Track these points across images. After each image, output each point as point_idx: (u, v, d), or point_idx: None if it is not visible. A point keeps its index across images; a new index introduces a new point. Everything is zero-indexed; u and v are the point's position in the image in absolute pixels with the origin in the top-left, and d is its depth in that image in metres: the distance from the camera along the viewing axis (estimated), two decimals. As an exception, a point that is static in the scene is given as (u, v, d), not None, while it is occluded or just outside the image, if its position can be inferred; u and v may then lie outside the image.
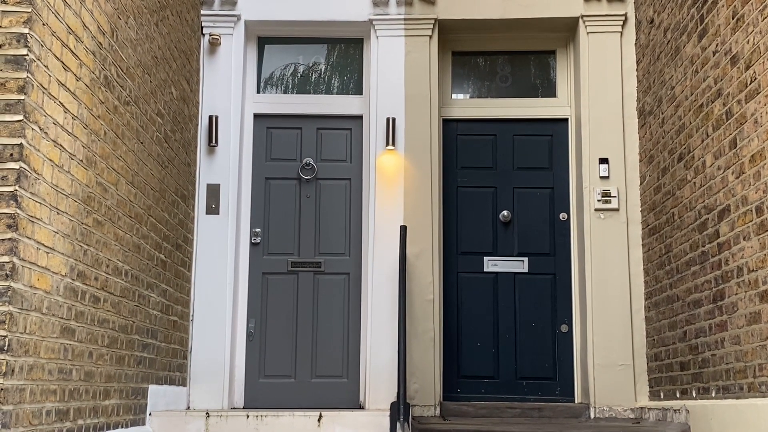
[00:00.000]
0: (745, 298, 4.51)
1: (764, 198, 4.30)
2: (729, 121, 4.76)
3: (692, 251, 5.33)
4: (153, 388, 5.46)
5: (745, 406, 4.43)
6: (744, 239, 4.54)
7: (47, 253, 3.81)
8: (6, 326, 3.43)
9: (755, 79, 4.42)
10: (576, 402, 6.53)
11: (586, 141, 6.58)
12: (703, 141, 5.16)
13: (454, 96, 7.13)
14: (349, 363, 6.58)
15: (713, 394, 4.96)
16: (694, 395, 5.26)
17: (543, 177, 6.90)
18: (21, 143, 3.55)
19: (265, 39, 7.08)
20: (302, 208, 6.81)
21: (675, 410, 5.46)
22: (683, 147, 5.50)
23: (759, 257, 4.35)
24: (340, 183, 6.83)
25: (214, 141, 6.60)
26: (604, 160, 6.52)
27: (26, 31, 3.61)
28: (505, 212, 6.84)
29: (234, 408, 6.41)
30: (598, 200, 6.47)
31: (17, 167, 3.53)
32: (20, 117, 3.56)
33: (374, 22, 6.79)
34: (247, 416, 5.40)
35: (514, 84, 7.14)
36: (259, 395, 6.55)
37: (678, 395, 5.56)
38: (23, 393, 3.61)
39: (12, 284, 3.47)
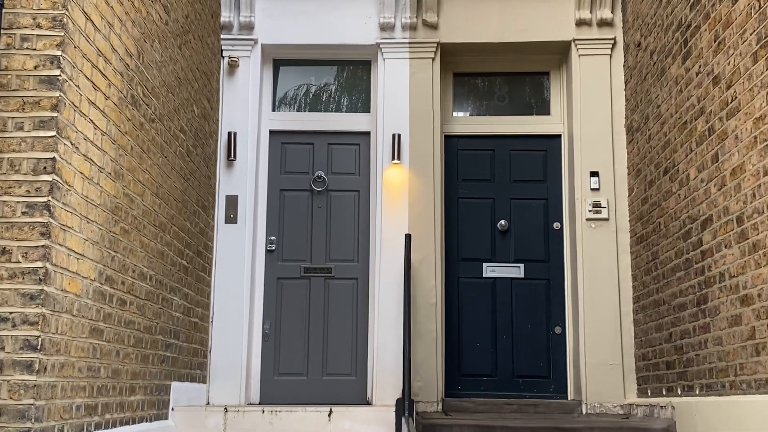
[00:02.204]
0: (727, 302, 4.49)
1: (744, 208, 4.28)
2: (711, 137, 4.74)
3: (677, 258, 5.30)
4: (175, 385, 5.45)
5: (727, 403, 4.40)
6: (726, 247, 4.51)
7: (78, 259, 3.81)
8: (39, 327, 3.43)
9: (735, 98, 4.41)
10: (569, 399, 6.50)
11: (578, 156, 6.57)
12: (687, 156, 5.14)
13: (455, 114, 7.12)
14: (358, 362, 6.56)
15: (697, 392, 4.93)
16: (680, 393, 5.23)
17: (538, 189, 6.88)
18: (54, 157, 3.56)
19: (280, 61, 7.09)
20: (314, 217, 6.80)
21: (661, 407, 5.42)
22: (668, 161, 5.48)
23: (740, 264, 4.32)
24: (350, 194, 6.83)
25: (232, 155, 6.61)
26: (594, 174, 6.50)
27: (59, 53, 3.63)
28: (502, 221, 6.82)
29: (250, 403, 6.39)
30: (589, 211, 6.45)
31: (50, 179, 3.54)
32: (53, 133, 3.57)
33: (381, 46, 6.80)
34: (263, 411, 5.39)
35: (510, 103, 7.13)
36: (274, 392, 6.53)
37: (664, 393, 5.53)
38: (55, 389, 3.60)
39: (45, 288, 3.48)
